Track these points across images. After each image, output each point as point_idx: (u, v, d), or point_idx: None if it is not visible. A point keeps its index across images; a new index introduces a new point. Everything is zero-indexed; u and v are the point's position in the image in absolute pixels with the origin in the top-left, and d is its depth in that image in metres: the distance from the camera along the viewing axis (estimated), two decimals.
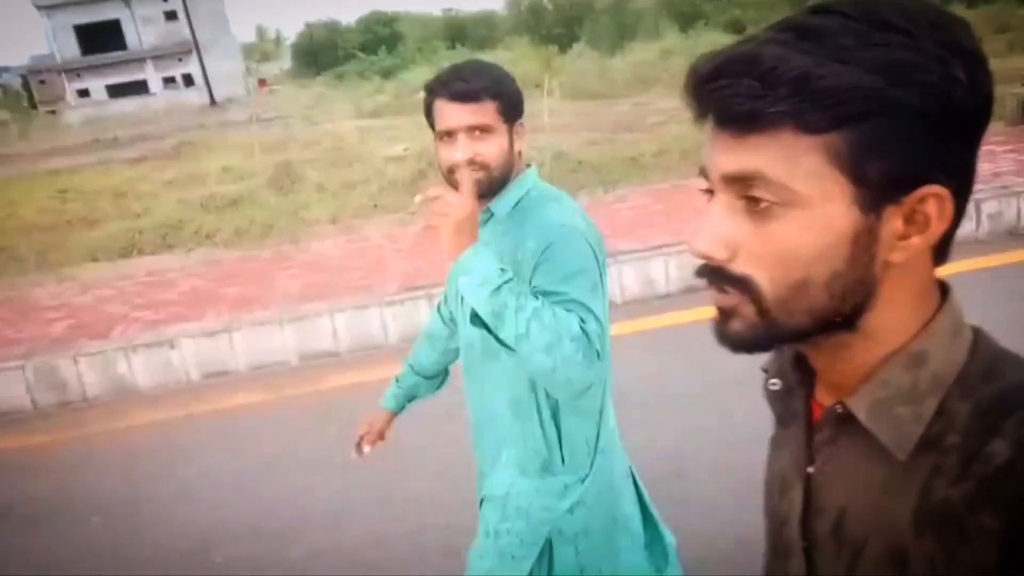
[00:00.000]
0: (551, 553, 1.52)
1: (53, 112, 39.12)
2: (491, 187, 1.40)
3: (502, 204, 1.43)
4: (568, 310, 1.28)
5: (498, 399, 1.51)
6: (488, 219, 1.45)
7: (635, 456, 1.71)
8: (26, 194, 9.78)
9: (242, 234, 7.46)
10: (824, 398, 0.64)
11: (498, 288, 1.26)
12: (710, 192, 0.58)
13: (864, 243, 0.54)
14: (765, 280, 0.55)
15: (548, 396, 1.44)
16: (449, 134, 1.37)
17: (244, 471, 3.42)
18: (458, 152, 1.36)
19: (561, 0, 26.51)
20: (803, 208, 0.53)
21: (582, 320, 1.28)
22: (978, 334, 0.59)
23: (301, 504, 3.09)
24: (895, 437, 0.56)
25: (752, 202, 0.54)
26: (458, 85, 1.36)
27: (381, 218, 7.32)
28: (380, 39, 37.74)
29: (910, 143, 0.52)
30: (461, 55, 22.23)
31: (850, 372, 0.59)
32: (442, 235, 1.30)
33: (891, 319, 0.57)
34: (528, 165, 1.49)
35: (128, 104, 30.79)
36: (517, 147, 1.42)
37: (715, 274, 0.57)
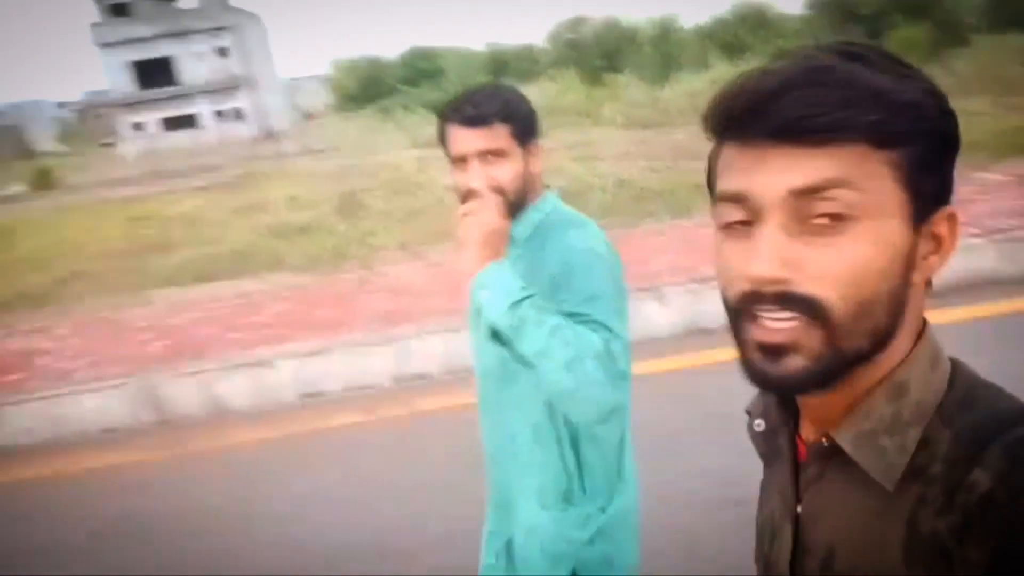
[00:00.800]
0: None
1: (108, 144, 40.51)
2: (507, 211, 1.37)
3: (521, 227, 1.40)
4: (592, 330, 1.24)
5: (516, 426, 1.45)
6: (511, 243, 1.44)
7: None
8: (101, 221, 10.11)
9: (315, 260, 7.60)
10: (808, 434, 0.64)
11: (519, 302, 1.23)
12: (740, 224, 0.56)
13: (909, 261, 0.55)
14: (835, 299, 0.53)
15: (567, 423, 1.39)
16: (462, 159, 1.36)
17: (354, 491, 3.43)
18: (472, 177, 1.35)
19: (603, 33, 26.81)
20: (872, 221, 0.53)
21: (606, 340, 1.24)
22: (955, 364, 0.59)
23: (417, 524, 3.08)
24: (881, 468, 0.56)
25: (819, 218, 0.53)
26: (468, 110, 1.35)
27: (448, 244, 7.41)
28: (422, 73, 38.43)
29: (942, 165, 0.56)
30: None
31: (838, 404, 0.58)
32: (467, 248, 1.29)
33: (895, 346, 0.57)
34: (547, 187, 1.46)
35: (181, 137, 31.80)
36: (533, 169, 1.40)
37: (778, 299, 0.53)
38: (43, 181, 17.44)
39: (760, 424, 0.68)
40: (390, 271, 6.51)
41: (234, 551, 3.07)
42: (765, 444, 0.69)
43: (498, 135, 1.34)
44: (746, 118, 0.54)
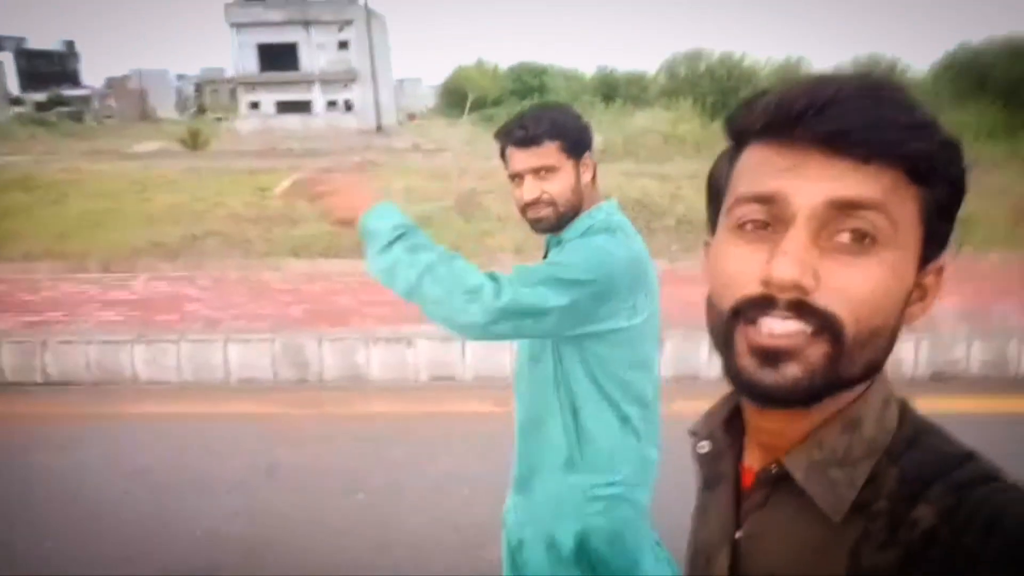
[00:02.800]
0: (590, 554, 1.54)
1: (220, 119, 42.49)
2: (560, 221, 1.50)
3: (570, 232, 1.51)
4: (492, 277, 1.35)
5: (537, 399, 1.56)
6: (559, 244, 1.53)
7: None
8: (229, 187, 10.57)
9: None
10: (753, 461, 0.63)
11: (389, 244, 1.34)
12: (758, 226, 0.54)
13: (907, 303, 0.55)
14: (850, 320, 0.51)
15: (569, 393, 1.50)
16: (518, 176, 1.49)
17: (491, 473, 3.46)
18: (526, 192, 1.48)
19: (720, 71, 26.56)
20: (895, 251, 0.52)
21: (496, 285, 1.34)
22: (905, 404, 0.59)
23: None
24: (830, 499, 0.55)
25: (844, 235, 0.52)
26: (518, 132, 1.47)
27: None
28: (529, 88, 38.76)
29: (953, 215, 0.55)
30: (613, 110, 22.51)
31: (791, 432, 0.58)
32: (332, 209, 1.41)
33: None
34: (607, 198, 1.56)
35: (292, 120, 33.07)
36: (585, 179, 1.51)
37: (792, 307, 0.51)
38: (194, 141, 18.66)
39: (704, 446, 0.67)
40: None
41: (382, 514, 3.14)
42: (708, 467, 0.68)
43: (548, 153, 1.47)
44: (799, 119, 0.52)
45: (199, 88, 67.47)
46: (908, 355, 4.30)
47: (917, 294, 0.56)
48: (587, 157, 1.52)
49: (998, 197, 9.00)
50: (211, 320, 4.98)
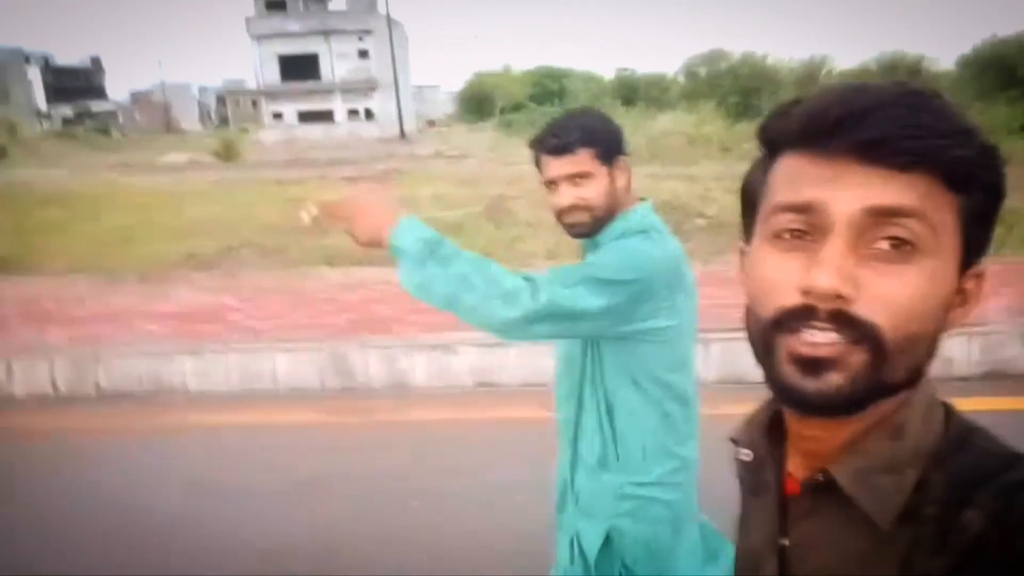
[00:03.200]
0: (618, 554, 1.55)
1: (245, 130, 42.98)
2: (596, 225, 1.51)
3: (607, 234, 1.52)
4: (527, 278, 1.37)
5: (574, 399, 1.58)
6: (595, 247, 1.53)
7: None
8: (259, 197, 10.73)
9: None
10: (797, 469, 0.62)
11: (421, 261, 1.37)
12: (796, 236, 0.54)
13: (948, 307, 0.55)
14: (889, 327, 0.51)
15: (606, 391, 1.52)
16: (553, 183, 1.50)
17: (543, 478, 3.47)
18: (562, 198, 1.49)
19: (742, 71, 26.43)
20: (935, 258, 0.52)
21: (533, 286, 1.36)
22: (948, 409, 0.59)
23: None
24: (878, 506, 0.55)
25: (883, 243, 0.52)
26: (552, 141, 1.49)
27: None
28: (549, 93, 38.79)
29: (991, 220, 0.56)
30: (635, 113, 22.46)
31: (835, 440, 0.57)
32: (356, 233, 1.43)
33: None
34: (642, 199, 1.57)
35: (315, 130, 33.40)
36: (619, 184, 1.52)
37: (832, 318, 0.51)
38: (228, 152, 18.82)
39: (748, 455, 0.67)
40: None
41: (437, 519, 3.16)
42: (751, 475, 0.67)
43: (581, 160, 1.48)
44: (836, 128, 0.52)
45: (221, 100, 68.39)
46: (961, 353, 4.26)
47: (958, 299, 0.56)
48: (620, 161, 1.53)
49: None
50: (256, 331, 5.04)
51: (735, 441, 0.70)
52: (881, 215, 0.52)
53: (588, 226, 1.51)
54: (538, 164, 1.54)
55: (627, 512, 1.54)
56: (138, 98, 60.34)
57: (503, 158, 17.78)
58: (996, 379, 4.18)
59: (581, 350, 1.55)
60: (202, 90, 78.11)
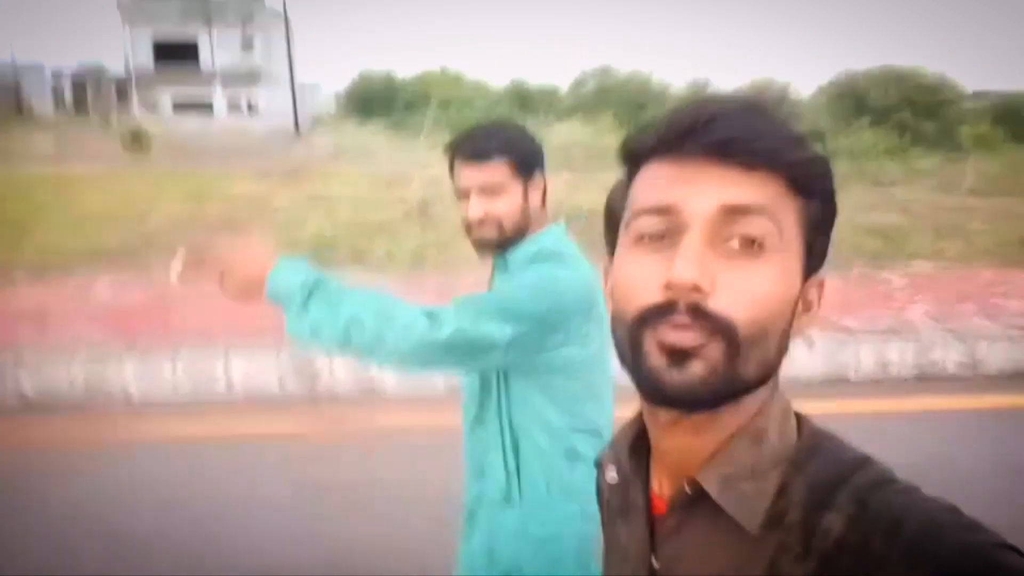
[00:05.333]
0: None
1: (106, 119, 39.86)
2: (504, 242, 1.44)
3: (516, 255, 1.45)
4: (426, 312, 1.30)
5: (480, 433, 1.52)
6: (504, 268, 1.48)
7: None
8: (156, 190, 10.01)
9: (393, 259, 7.66)
10: (661, 488, 0.64)
11: (304, 305, 1.27)
12: (659, 236, 0.57)
13: (794, 310, 0.59)
14: (742, 320, 0.54)
15: (512, 426, 1.44)
16: (464, 193, 1.43)
17: None
18: (471, 211, 1.42)
19: (629, 86, 27.50)
20: (780, 256, 0.56)
21: (432, 317, 1.29)
22: (799, 415, 0.62)
23: None
24: (744, 512, 0.57)
25: (734, 241, 0.55)
26: (469, 146, 1.42)
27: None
28: (439, 97, 38.69)
29: (828, 231, 0.61)
30: (534, 123, 22.84)
31: (699, 452, 0.59)
32: (229, 283, 1.31)
33: (756, 395, 0.58)
34: (556, 222, 1.51)
35: (193, 121, 31.51)
36: (533, 202, 1.45)
37: (690, 311, 0.54)
38: (137, 144, 16.81)
39: (613, 477, 0.68)
40: (469, 280, 6.60)
41: (421, 529, 3.09)
42: (618, 497, 0.68)
43: (497, 171, 1.40)
44: (689, 133, 0.56)
45: (79, 84, 63.04)
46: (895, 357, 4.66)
47: (803, 306, 0.60)
48: (538, 177, 1.45)
49: (912, 211, 9.82)
50: (205, 330, 4.71)
51: (599, 464, 0.71)
52: (734, 212, 0.55)
53: (496, 242, 1.43)
54: (452, 170, 1.45)
55: (531, 553, 1.45)
56: None
57: (410, 159, 17.55)
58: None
59: (487, 383, 1.46)
60: (55, 74, 71.71)
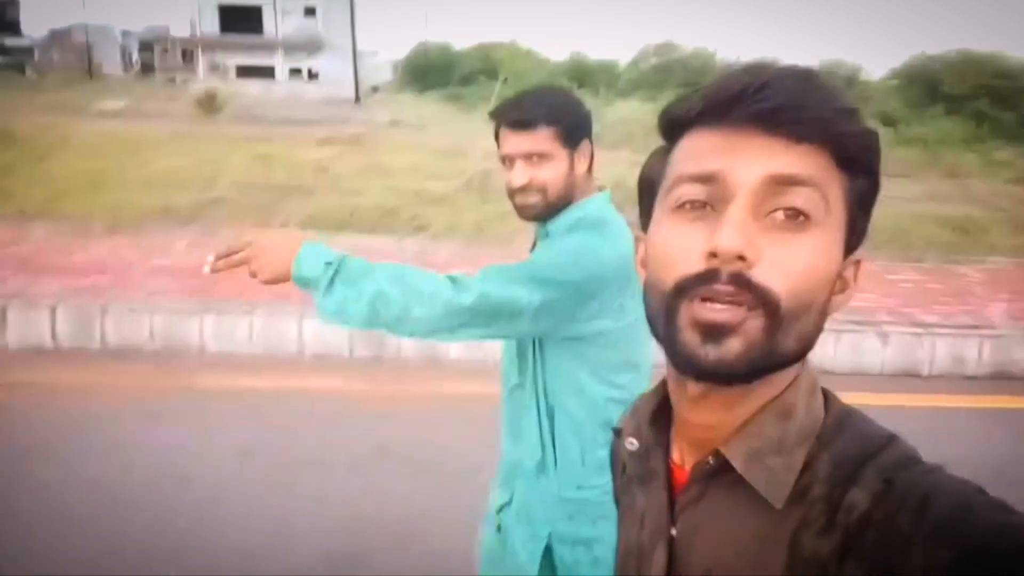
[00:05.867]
0: (557, 561, 1.48)
1: (172, 80, 40.83)
2: (548, 210, 1.42)
3: (557, 224, 1.44)
4: (453, 278, 1.31)
5: (518, 401, 1.52)
6: (545, 236, 1.46)
7: None
8: (228, 153, 10.22)
9: (454, 230, 7.69)
10: (682, 458, 0.64)
11: (330, 285, 1.30)
12: (701, 205, 0.56)
13: (832, 287, 0.57)
14: (784, 293, 0.53)
15: (546, 394, 1.44)
16: (509, 159, 1.41)
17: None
18: (515, 177, 1.40)
19: (692, 64, 26.91)
20: (825, 231, 0.55)
21: (456, 285, 1.30)
22: (826, 391, 0.61)
23: None
24: (770, 487, 0.56)
25: (780, 212, 0.54)
26: (514, 113, 1.40)
27: None
28: (496, 69, 38.51)
29: (870, 207, 0.59)
30: (594, 99, 22.58)
31: (726, 424, 0.59)
32: (259, 271, 1.35)
33: (786, 371, 0.58)
34: (601, 188, 1.49)
35: (254, 86, 32.03)
36: (579, 169, 1.42)
37: (733, 280, 0.53)
38: (210, 105, 17.48)
39: (633, 443, 0.67)
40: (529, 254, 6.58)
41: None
42: (638, 465, 0.68)
43: (542, 138, 1.38)
44: (737, 100, 0.54)
45: (146, 46, 64.57)
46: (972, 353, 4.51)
47: (839, 285, 0.58)
48: (585, 145, 1.43)
49: (990, 203, 9.43)
50: (283, 292, 4.83)
51: (618, 432, 0.70)
52: (780, 183, 0.53)
53: (539, 209, 1.41)
54: (497, 137, 1.44)
55: (566, 515, 1.45)
56: (57, 36, 56.25)
57: (467, 131, 17.56)
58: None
59: (524, 351, 1.46)
60: (124, 34, 73.48)
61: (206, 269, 1.37)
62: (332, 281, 1.29)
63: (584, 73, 30.48)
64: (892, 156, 13.35)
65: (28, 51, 49.47)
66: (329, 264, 1.30)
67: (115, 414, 3.64)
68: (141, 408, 3.72)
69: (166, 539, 2.71)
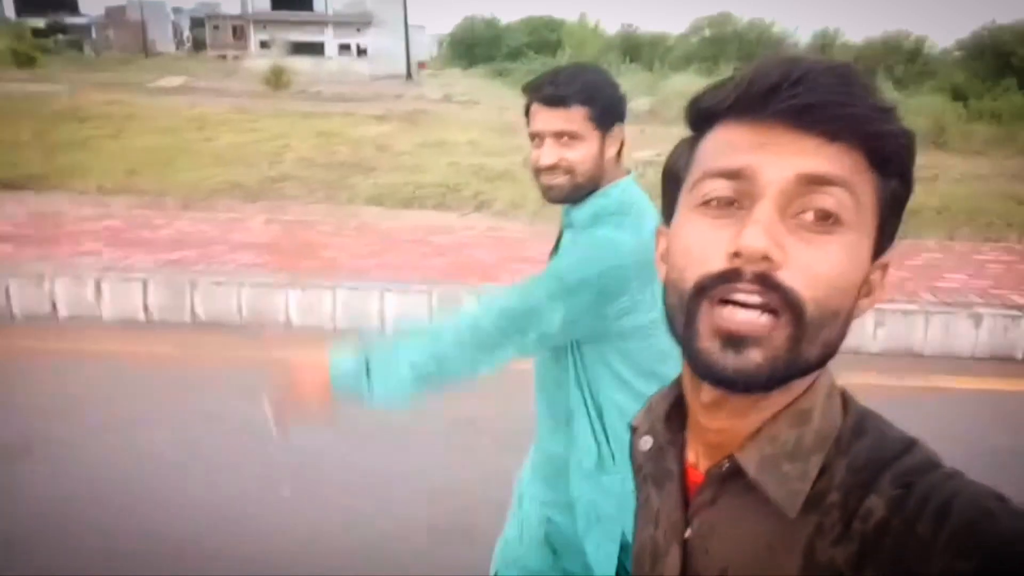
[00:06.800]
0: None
1: (223, 57, 41.44)
2: (575, 192, 1.37)
3: (583, 211, 1.39)
4: (484, 303, 1.33)
5: (561, 401, 1.48)
6: (570, 224, 1.42)
7: None
8: (290, 130, 10.37)
9: (517, 207, 7.68)
10: (697, 459, 0.62)
11: (369, 383, 1.30)
12: (728, 202, 0.53)
13: (859, 291, 0.55)
14: (809, 298, 0.51)
15: (591, 390, 1.42)
16: (538, 136, 1.36)
17: None
18: (544, 156, 1.35)
19: (748, 36, 26.27)
20: (855, 234, 0.53)
21: (475, 316, 1.31)
22: (845, 394, 0.59)
23: None
24: (783, 494, 0.54)
25: (809, 214, 0.52)
26: (548, 89, 1.34)
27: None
28: (545, 43, 38.13)
29: (901, 210, 0.56)
30: (647, 73, 22.22)
31: (740, 431, 0.57)
32: (305, 403, 1.33)
33: (810, 374, 0.55)
34: (628, 172, 1.44)
35: (304, 62, 32.33)
36: (609, 153, 1.38)
37: (758, 280, 0.51)
38: (277, 80, 18.15)
39: (648, 441, 0.66)
40: None
41: None
42: (652, 464, 0.67)
43: (574, 117, 1.34)
44: (770, 94, 0.52)
45: (197, 23, 65.59)
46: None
47: (865, 289, 0.56)
48: (617, 130, 1.38)
49: None
50: (359, 270, 4.91)
51: (634, 429, 0.69)
52: (811, 183, 0.51)
53: (566, 191, 1.37)
54: (527, 113, 1.40)
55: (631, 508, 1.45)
56: (112, 14, 57.47)
57: (520, 106, 17.48)
58: None
59: (563, 351, 1.43)
60: (177, 11, 74.75)
61: (274, 433, 1.34)
62: (369, 379, 1.30)
63: (635, 47, 30.03)
64: (965, 132, 12.88)
65: (86, 29, 50.72)
66: (357, 366, 1.31)
67: (211, 382, 3.76)
68: (236, 378, 3.83)
69: (267, 506, 2.80)
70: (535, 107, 1.37)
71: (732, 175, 0.53)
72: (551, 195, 1.39)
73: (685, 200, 0.57)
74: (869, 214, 0.54)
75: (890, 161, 0.54)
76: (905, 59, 24.94)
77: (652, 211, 1.40)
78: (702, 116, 0.58)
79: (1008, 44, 25.60)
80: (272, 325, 4.49)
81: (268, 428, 1.33)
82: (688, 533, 0.61)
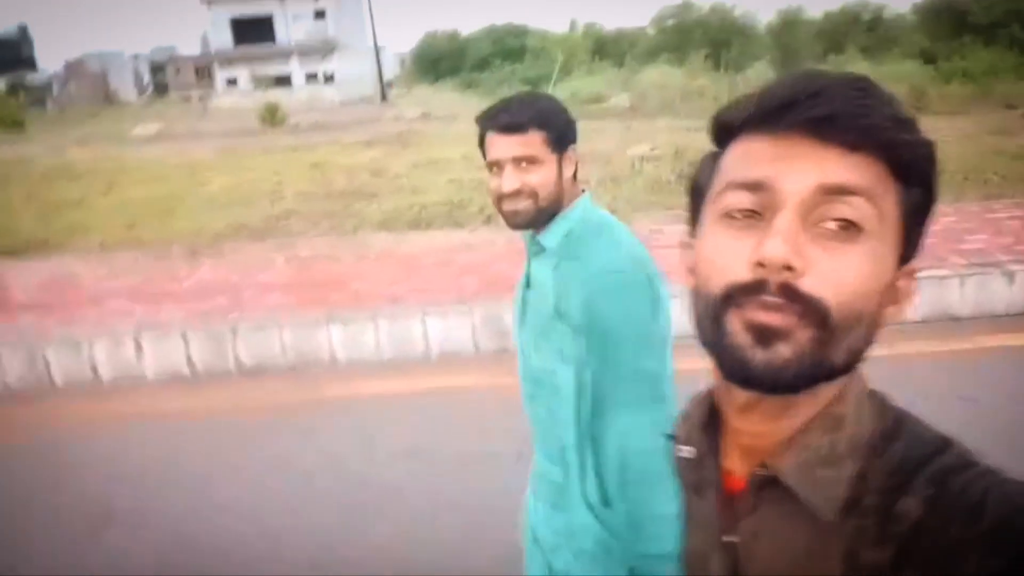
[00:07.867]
0: None
1: (187, 99, 41.18)
2: (539, 216, 1.40)
3: (551, 236, 1.43)
4: (573, 370, 1.36)
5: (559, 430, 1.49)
6: (540, 251, 1.45)
7: None
8: (280, 165, 10.34)
9: None
10: (735, 466, 0.63)
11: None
12: (750, 213, 0.55)
13: (884, 299, 0.56)
14: (834, 304, 0.52)
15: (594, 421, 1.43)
16: (497, 165, 1.40)
17: None
18: (505, 183, 1.38)
19: (711, 22, 26.51)
20: (878, 241, 0.54)
21: (576, 376, 1.36)
22: (880, 396, 0.60)
23: None
24: (820, 500, 0.56)
25: (831, 223, 0.53)
26: (504, 117, 1.39)
27: (659, 213, 7.43)
28: (509, 51, 38.23)
29: (925, 219, 0.58)
30: (619, 68, 22.34)
31: (774, 435, 0.58)
32: None
33: (839, 379, 0.57)
34: (583, 190, 1.48)
35: (276, 95, 32.24)
36: (566, 174, 1.43)
37: (782, 291, 0.52)
38: (272, 117, 18.10)
39: (690, 451, 0.67)
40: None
41: None
42: (692, 472, 0.67)
43: (532, 142, 1.38)
44: (790, 106, 0.54)
45: (157, 68, 65.22)
46: None
47: (890, 297, 0.57)
48: (571, 152, 1.44)
49: None
50: (391, 297, 4.91)
51: (672, 438, 0.70)
52: (832, 192, 0.53)
53: (530, 216, 1.40)
54: (482, 144, 1.43)
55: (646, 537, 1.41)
56: (72, 68, 57.03)
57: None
58: None
59: (564, 389, 1.42)
60: (134, 58, 74.27)
61: None
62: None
63: (601, 43, 30.18)
64: (942, 95, 13.09)
65: (47, 85, 50.35)
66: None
67: (271, 429, 3.74)
68: (289, 423, 3.82)
69: (356, 548, 2.80)
70: (491, 136, 1.40)
71: (753, 187, 0.55)
72: (516, 221, 1.41)
73: (709, 212, 0.59)
74: (892, 223, 0.55)
75: (911, 170, 0.55)
76: (866, 28, 25.27)
77: (620, 224, 1.44)
78: (724, 130, 0.60)
79: (963, 2, 26.04)
80: (317, 364, 4.48)
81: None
82: (734, 539, 0.62)
